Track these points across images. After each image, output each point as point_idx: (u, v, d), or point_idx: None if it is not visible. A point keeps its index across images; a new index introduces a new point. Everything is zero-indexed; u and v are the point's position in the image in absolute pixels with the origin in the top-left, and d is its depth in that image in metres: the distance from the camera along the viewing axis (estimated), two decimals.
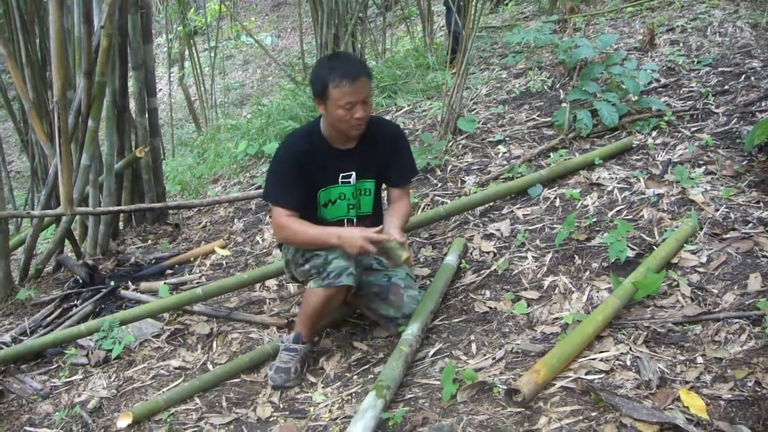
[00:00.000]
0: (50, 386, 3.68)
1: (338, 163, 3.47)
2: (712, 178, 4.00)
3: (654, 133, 4.66)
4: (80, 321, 4.23)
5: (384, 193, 3.91)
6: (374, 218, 3.63)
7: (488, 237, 4.13)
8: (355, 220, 3.58)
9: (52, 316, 4.43)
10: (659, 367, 2.73)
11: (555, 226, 3.99)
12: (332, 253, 3.29)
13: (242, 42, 15.29)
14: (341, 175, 3.49)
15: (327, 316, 3.51)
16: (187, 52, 11.32)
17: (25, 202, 7.89)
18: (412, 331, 3.26)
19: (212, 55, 11.23)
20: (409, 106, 6.30)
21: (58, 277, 5.23)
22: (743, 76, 5.03)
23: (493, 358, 3.10)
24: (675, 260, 3.38)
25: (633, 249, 3.55)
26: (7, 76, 8.55)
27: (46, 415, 3.43)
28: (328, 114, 3.31)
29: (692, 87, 5.10)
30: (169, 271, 4.95)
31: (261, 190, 4.40)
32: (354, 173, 3.51)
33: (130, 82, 5.47)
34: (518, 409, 2.66)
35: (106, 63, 4.84)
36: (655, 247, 3.52)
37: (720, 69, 5.23)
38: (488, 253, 4.00)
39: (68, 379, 3.70)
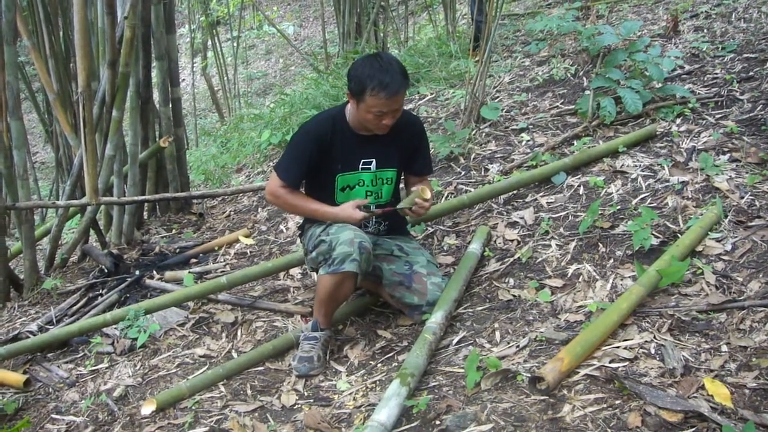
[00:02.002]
0: (76, 374, 3.72)
1: (360, 149, 3.50)
2: (736, 165, 3.97)
3: (678, 121, 4.62)
4: (105, 310, 4.26)
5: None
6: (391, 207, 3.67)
7: (512, 225, 4.13)
8: (372, 207, 3.59)
9: (78, 306, 4.48)
10: (683, 356, 2.71)
11: (579, 214, 3.97)
12: (337, 240, 3.33)
13: (264, 32, 15.31)
14: (362, 161, 3.52)
15: (339, 301, 3.53)
16: (209, 42, 11.37)
17: (50, 193, 7.97)
18: (435, 319, 3.27)
19: (235, 45, 11.27)
20: (432, 94, 6.28)
21: (83, 266, 5.27)
22: None
23: (517, 346, 3.09)
24: (699, 248, 3.36)
25: (657, 237, 3.53)
26: (31, 67, 8.61)
27: (73, 402, 3.47)
28: (358, 112, 3.36)
29: (717, 74, 5.05)
30: (193, 260, 4.98)
31: None
32: (374, 160, 3.54)
33: (154, 73, 5.50)
34: (542, 397, 2.66)
35: (129, 54, 4.87)
36: (679, 234, 3.49)
37: (745, 55, 5.17)
38: (512, 241, 3.99)
39: (94, 368, 3.74)
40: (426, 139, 3.77)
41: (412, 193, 3.55)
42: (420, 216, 3.63)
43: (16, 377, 3.64)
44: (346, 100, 3.51)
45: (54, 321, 4.30)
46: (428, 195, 3.50)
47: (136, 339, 3.83)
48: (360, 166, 3.54)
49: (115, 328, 3.94)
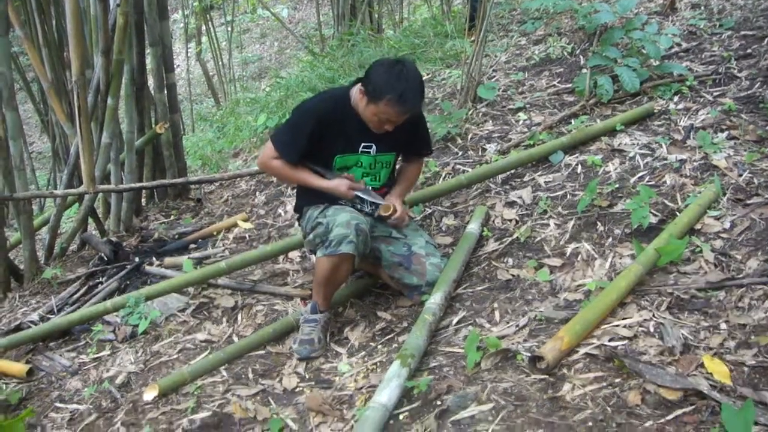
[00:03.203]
0: (79, 363, 3.73)
1: (361, 133, 3.50)
2: (735, 143, 3.96)
3: (676, 98, 4.61)
4: (106, 298, 4.26)
5: None
6: (387, 189, 3.73)
7: (510, 205, 4.13)
8: (368, 189, 3.63)
9: (78, 294, 4.48)
10: (682, 334, 2.72)
11: (577, 192, 3.97)
12: (333, 222, 3.36)
13: (259, 15, 15.22)
14: (363, 144, 3.53)
15: (338, 283, 3.54)
16: (203, 27, 11.31)
17: (48, 182, 7.96)
18: (435, 299, 3.27)
19: (229, 29, 11.22)
20: (428, 74, 6.27)
21: (82, 255, 5.27)
22: (766, 39, 4.95)
23: (517, 326, 3.10)
24: (698, 226, 3.37)
25: (656, 215, 3.53)
26: (25, 57, 8.57)
27: (76, 391, 3.48)
28: (365, 108, 3.39)
29: (714, 51, 5.03)
30: (192, 246, 4.98)
31: None
32: (374, 145, 3.54)
33: (148, 59, 5.48)
34: (542, 376, 2.67)
35: (123, 41, 4.85)
36: (677, 213, 3.50)
37: (742, 32, 5.15)
38: (510, 220, 3.99)
39: (96, 356, 3.75)
40: (424, 120, 3.80)
41: (380, 207, 3.59)
42: (400, 226, 3.68)
43: (19, 367, 3.65)
44: (352, 82, 3.54)
45: (55, 310, 4.31)
46: (389, 211, 3.56)
47: (137, 326, 3.83)
48: (360, 149, 3.55)
49: (116, 316, 3.95)
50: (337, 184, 3.50)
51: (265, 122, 6.80)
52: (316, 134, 3.45)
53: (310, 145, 3.47)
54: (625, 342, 2.75)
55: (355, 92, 3.44)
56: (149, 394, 3.19)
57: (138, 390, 3.34)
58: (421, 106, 3.50)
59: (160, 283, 4.12)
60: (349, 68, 7.08)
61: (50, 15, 5.92)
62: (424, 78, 5.75)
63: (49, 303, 4.37)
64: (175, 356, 3.61)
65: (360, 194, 3.54)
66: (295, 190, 3.97)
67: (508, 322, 3.17)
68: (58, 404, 3.40)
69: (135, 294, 3.91)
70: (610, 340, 2.77)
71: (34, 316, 4.23)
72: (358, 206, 3.58)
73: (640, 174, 3.93)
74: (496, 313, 3.27)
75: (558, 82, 5.33)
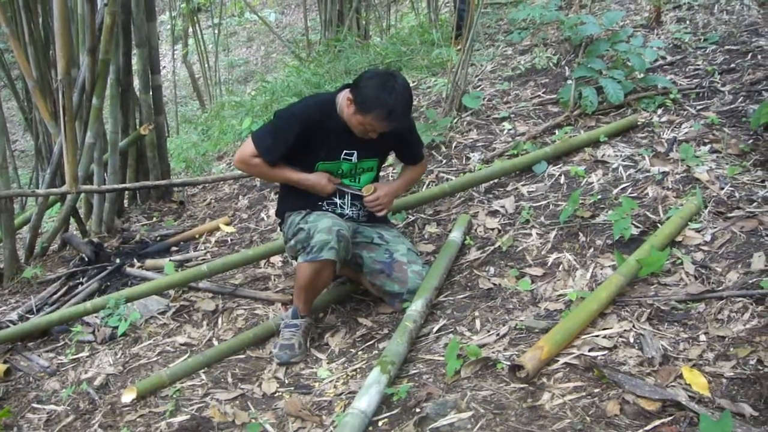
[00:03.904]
0: (57, 363, 3.71)
1: (344, 140, 3.51)
2: (717, 156, 3.99)
3: (659, 111, 4.64)
4: (86, 299, 4.24)
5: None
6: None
7: (493, 214, 4.14)
8: (350, 194, 3.65)
9: (58, 294, 4.45)
10: (662, 345, 2.74)
11: (560, 203, 3.99)
12: (315, 228, 3.36)
13: (246, 19, 15.21)
14: (345, 152, 3.54)
15: (319, 289, 3.55)
16: (190, 30, 11.29)
17: (30, 181, 7.90)
18: (416, 307, 3.28)
19: (216, 32, 11.20)
20: (413, 82, 6.27)
21: (63, 255, 5.24)
22: (750, 54, 4.99)
23: (497, 335, 3.11)
24: (679, 238, 3.38)
25: (637, 227, 3.55)
26: (10, 55, 8.52)
27: (54, 392, 3.46)
28: (351, 116, 3.40)
29: (698, 65, 5.07)
30: (174, 249, 4.96)
31: None
32: (356, 152, 3.55)
33: (134, 60, 5.46)
34: (522, 385, 2.67)
35: (109, 41, 4.84)
36: (659, 224, 3.52)
37: (726, 47, 5.19)
38: (493, 229, 4.00)
39: (75, 357, 3.73)
40: (415, 132, 3.82)
41: (362, 189, 3.64)
42: (382, 207, 3.67)
43: None
44: (339, 89, 3.55)
45: (34, 310, 4.28)
46: (370, 192, 3.59)
47: (116, 327, 3.81)
48: (342, 157, 3.55)
49: (96, 317, 3.93)
50: (318, 176, 3.54)
51: (250, 126, 6.79)
52: (300, 140, 3.45)
53: (292, 149, 3.47)
54: (605, 352, 2.76)
55: (342, 99, 3.44)
56: (127, 397, 3.17)
57: (116, 392, 3.32)
58: (408, 121, 3.52)
59: (140, 285, 4.09)
60: (335, 74, 7.09)
61: (37, 13, 5.88)
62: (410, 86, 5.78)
63: (29, 303, 4.34)
64: (155, 359, 3.59)
65: (341, 187, 3.59)
66: (277, 195, 3.97)
67: (488, 331, 3.18)
68: (35, 405, 3.37)
69: (115, 295, 3.89)
70: (590, 350, 2.78)
71: (13, 316, 4.19)
72: (340, 203, 3.61)
73: (623, 185, 3.95)
74: (477, 322, 3.28)
75: (543, 93, 5.35)
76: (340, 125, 3.47)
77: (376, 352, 3.32)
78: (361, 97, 3.31)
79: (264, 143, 3.49)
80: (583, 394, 2.56)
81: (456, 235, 3.88)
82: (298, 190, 3.60)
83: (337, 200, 3.63)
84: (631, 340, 2.80)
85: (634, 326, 2.88)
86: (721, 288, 3.02)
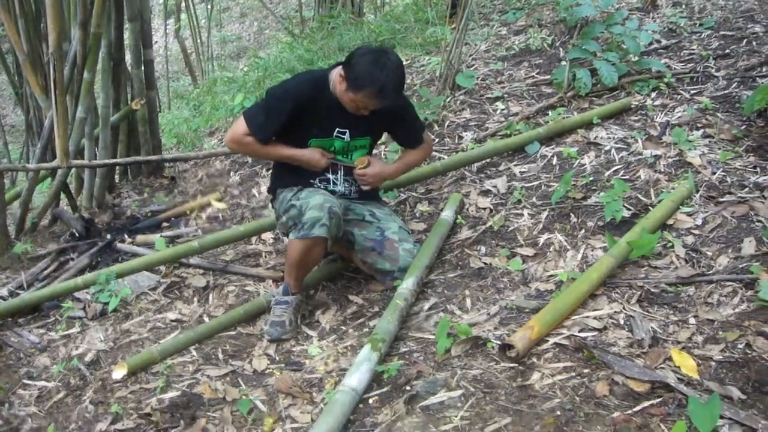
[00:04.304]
0: (48, 339, 3.70)
1: (337, 118, 3.50)
2: (710, 141, 4.00)
3: (653, 95, 4.64)
4: (77, 274, 4.23)
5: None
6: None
7: (485, 193, 4.14)
8: (342, 170, 3.65)
9: (49, 270, 4.44)
10: (652, 327, 2.75)
11: (552, 184, 3.99)
12: (306, 205, 3.35)
13: None
14: (337, 129, 3.53)
15: (310, 266, 3.54)
16: (183, 4, 11.20)
17: (20, 156, 7.86)
18: (407, 285, 3.28)
19: (209, 7, 11.11)
20: (407, 60, 6.25)
21: (54, 230, 5.22)
22: (745, 40, 5.00)
23: (488, 314, 3.12)
24: (670, 221, 3.40)
25: (629, 209, 3.56)
26: (0, 28, 8.45)
27: (44, 367, 3.46)
28: (344, 93, 3.38)
29: (693, 49, 5.07)
30: (165, 224, 4.95)
31: None
32: (349, 130, 3.54)
33: (126, 34, 5.42)
34: (511, 365, 2.69)
35: (101, 14, 4.80)
36: (651, 207, 3.53)
37: (722, 32, 5.19)
38: (484, 209, 4.01)
39: (65, 333, 3.72)
40: (411, 112, 3.77)
41: (356, 161, 3.63)
42: (367, 184, 3.67)
43: None
44: (332, 66, 3.54)
45: (25, 286, 4.26)
46: (363, 164, 3.58)
47: (107, 303, 3.81)
48: (334, 134, 3.54)
49: (87, 293, 3.92)
50: (312, 151, 3.53)
51: (242, 102, 6.75)
52: (292, 117, 3.43)
53: (285, 127, 3.46)
54: (595, 333, 2.78)
55: (335, 76, 3.43)
56: (118, 373, 3.18)
57: (107, 368, 3.32)
58: (399, 99, 3.48)
59: (131, 260, 4.09)
60: (328, 51, 7.05)
61: None
62: (403, 63, 5.77)
63: (19, 278, 4.32)
64: (145, 335, 3.59)
65: (334, 161, 3.58)
66: (270, 171, 3.96)
67: (479, 310, 3.19)
68: (26, 381, 3.37)
69: (106, 271, 3.88)
70: (580, 331, 2.80)
71: (4, 291, 4.18)
72: (333, 178, 3.62)
73: (615, 168, 3.95)
74: (468, 301, 3.29)
75: (537, 74, 5.34)
76: (332, 102, 3.45)
77: (367, 329, 3.33)
78: (354, 74, 3.29)
79: (256, 121, 3.47)
80: (573, 374, 2.58)
81: (447, 214, 3.88)
82: (290, 167, 3.59)
83: (330, 176, 3.62)
84: (621, 322, 2.82)
85: (624, 308, 2.90)
86: (711, 272, 3.04)
